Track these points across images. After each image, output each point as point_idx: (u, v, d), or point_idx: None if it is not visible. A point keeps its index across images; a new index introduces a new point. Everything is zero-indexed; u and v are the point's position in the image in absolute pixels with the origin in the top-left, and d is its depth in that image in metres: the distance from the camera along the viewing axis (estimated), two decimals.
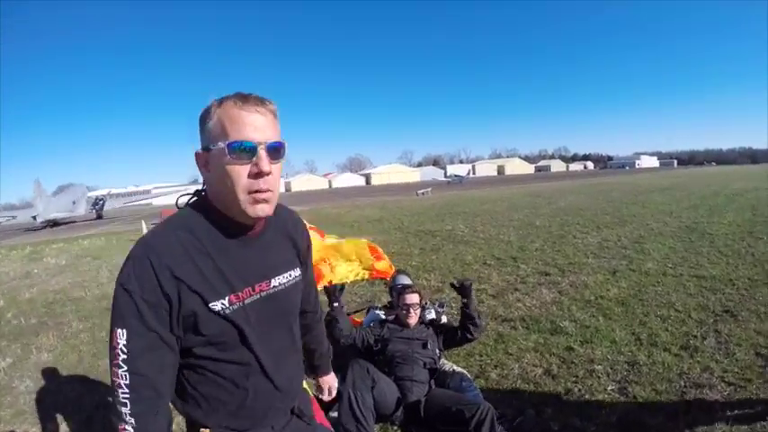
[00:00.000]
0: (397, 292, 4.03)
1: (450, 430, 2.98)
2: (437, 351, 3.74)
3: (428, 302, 4.18)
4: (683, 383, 3.65)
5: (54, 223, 28.84)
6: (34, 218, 28.86)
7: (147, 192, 47.96)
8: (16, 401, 4.23)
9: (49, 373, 4.79)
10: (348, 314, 5.38)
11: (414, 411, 3.23)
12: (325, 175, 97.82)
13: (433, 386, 3.47)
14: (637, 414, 3.26)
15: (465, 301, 3.69)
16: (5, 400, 4.27)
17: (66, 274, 9.78)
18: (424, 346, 3.65)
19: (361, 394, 2.96)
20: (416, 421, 3.22)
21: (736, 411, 3.19)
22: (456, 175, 70.54)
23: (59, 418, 3.86)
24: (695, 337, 4.49)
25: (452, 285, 3.83)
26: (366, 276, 8.00)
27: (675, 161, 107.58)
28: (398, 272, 5.20)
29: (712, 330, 4.61)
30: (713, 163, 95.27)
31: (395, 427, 3.30)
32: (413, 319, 3.83)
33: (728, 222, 10.90)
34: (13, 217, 34.50)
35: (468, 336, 3.67)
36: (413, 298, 3.86)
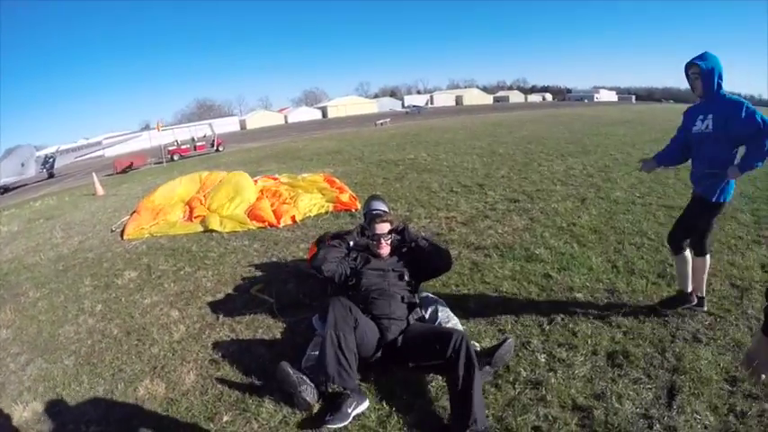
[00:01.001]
0: (369, 218, 3.74)
1: (429, 364, 2.84)
2: (412, 281, 3.52)
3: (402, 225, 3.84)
4: (664, 312, 3.59)
5: (4, 189, 26.73)
6: None
7: (98, 143, 44.64)
8: None
9: (10, 351, 4.31)
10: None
11: (391, 349, 3.04)
12: (281, 111, 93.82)
13: (411, 321, 3.23)
14: (622, 344, 3.20)
15: (411, 244, 3.58)
16: None
17: (19, 241, 8.96)
18: (401, 277, 3.43)
19: (344, 335, 2.72)
20: (394, 359, 3.04)
21: (719, 341, 3.16)
22: (414, 106, 69.44)
23: (27, 397, 3.46)
24: (671, 265, 4.42)
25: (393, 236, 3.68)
26: (330, 209, 7.73)
27: (634, 97, 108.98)
28: (373, 196, 4.84)
29: None
30: (671, 101, 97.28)
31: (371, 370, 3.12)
32: (384, 250, 3.60)
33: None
34: None
35: (435, 264, 3.54)
36: (383, 227, 3.60)
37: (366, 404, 2.72)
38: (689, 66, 3.39)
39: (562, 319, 3.57)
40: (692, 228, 3.60)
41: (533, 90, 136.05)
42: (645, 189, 7.65)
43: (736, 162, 3.25)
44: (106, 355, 3.91)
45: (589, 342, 3.23)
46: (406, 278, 3.45)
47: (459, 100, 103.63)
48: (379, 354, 3.02)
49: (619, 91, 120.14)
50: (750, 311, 3.53)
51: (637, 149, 12.80)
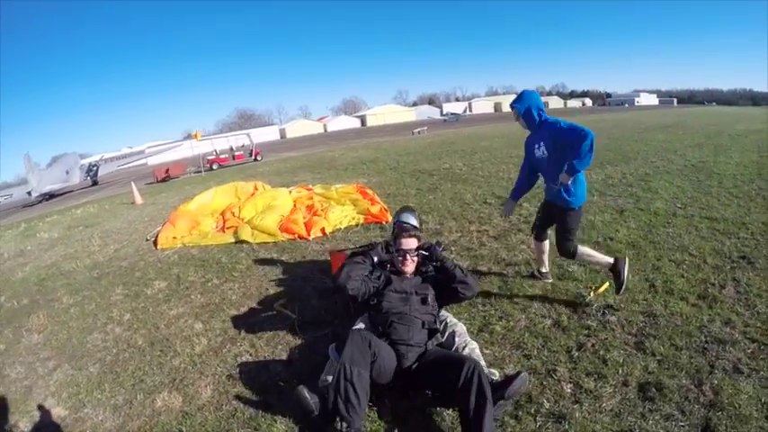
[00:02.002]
0: (396, 232, 3.63)
1: (442, 392, 2.78)
2: (437, 306, 3.40)
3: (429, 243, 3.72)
4: (703, 338, 3.35)
5: (50, 196, 27.96)
6: (29, 193, 28.01)
7: (141, 152, 46.55)
8: (8, 390, 3.91)
9: (40, 356, 4.47)
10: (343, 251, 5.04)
11: (406, 374, 2.95)
12: (320, 119, 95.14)
13: (430, 347, 3.11)
14: (656, 374, 2.97)
15: (436, 264, 3.43)
16: None
17: (58, 248, 9.37)
18: (423, 301, 3.29)
19: (359, 372, 2.62)
20: (409, 384, 2.96)
21: (762, 372, 2.90)
22: (452, 113, 68.90)
23: (51, 402, 3.59)
24: (713, 285, 4.17)
25: (419, 253, 3.53)
26: (361, 221, 7.69)
27: (675, 99, 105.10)
28: (405, 208, 4.74)
29: (730, 278, 4.28)
30: (713, 103, 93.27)
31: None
32: (408, 267, 3.49)
33: (735, 163, 10.40)
34: (10, 195, 33.47)
35: (460, 294, 3.33)
36: (409, 243, 3.49)
37: None
38: (511, 107, 4.18)
39: (593, 345, 3.37)
40: (549, 227, 4.46)
41: (572, 95, 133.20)
42: (687, 199, 7.25)
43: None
44: (129, 364, 3.99)
45: (620, 371, 3.02)
46: (430, 302, 3.31)
47: (497, 107, 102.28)
48: (390, 378, 2.92)
49: (660, 94, 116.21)
50: None
51: (678, 155, 12.21)
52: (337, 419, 2.59)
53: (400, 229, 3.68)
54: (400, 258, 3.50)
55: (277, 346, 3.92)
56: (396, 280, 3.43)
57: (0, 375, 4.21)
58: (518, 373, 2.81)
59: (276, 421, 2.87)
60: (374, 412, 2.89)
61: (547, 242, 4.54)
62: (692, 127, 22.10)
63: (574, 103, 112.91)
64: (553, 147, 3.92)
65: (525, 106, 4.04)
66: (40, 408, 3.52)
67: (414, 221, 4.37)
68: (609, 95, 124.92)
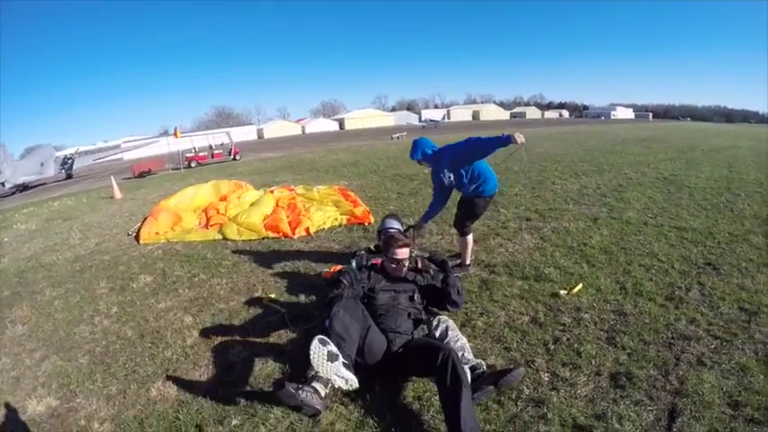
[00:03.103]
0: (385, 241, 3.78)
1: (422, 373, 3.04)
2: (423, 301, 3.61)
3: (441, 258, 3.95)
4: (669, 335, 3.63)
5: (24, 187, 27.35)
6: (2, 184, 27.32)
7: (117, 147, 45.44)
8: None
9: (26, 347, 4.48)
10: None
11: (393, 359, 3.15)
12: (298, 121, 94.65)
13: (416, 336, 3.36)
14: (626, 365, 3.22)
15: (444, 276, 3.65)
16: None
17: (37, 240, 9.23)
18: (411, 298, 3.53)
19: (352, 322, 2.95)
20: (395, 368, 3.15)
21: (723, 365, 3.17)
22: (431, 120, 69.53)
23: (41, 393, 3.61)
24: (680, 288, 4.48)
25: (430, 259, 3.80)
26: (344, 222, 7.84)
27: (651, 114, 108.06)
28: (390, 215, 4.95)
29: (696, 282, 4.60)
30: (688, 118, 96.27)
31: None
32: (401, 273, 3.65)
33: (706, 177, 10.92)
34: None
35: (448, 307, 3.65)
36: (403, 253, 3.64)
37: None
38: (412, 159, 5.09)
39: (567, 339, 3.61)
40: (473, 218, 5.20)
41: (550, 106, 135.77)
42: (658, 210, 7.63)
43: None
44: (120, 355, 4.04)
45: (593, 363, 3.26)
46: (417, 299, 3.56)
47: (476, 115, 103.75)
48: (379, 360, 3.13)
49: (636, 108, 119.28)
50: (758, 336, 3.53)
51: (651, 168, 12.75)
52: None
53: (393, 239, 3.74)
54: (393, 266, 3.68)
55: (269, 337, 4.04)
56: (385, 279, 3.65)
57: None
58: (516, 367, 3.06)
59: (272, 407, 3.00)
60: (363, 396, 3.06)
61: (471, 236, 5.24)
62: (666, 141, 22.94)
63: (551, 114, 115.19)
64: (455, 169, 4.81)
65: (418, 152, 4.98)
66: (29, 398, 3.54)
67: (398, 226, 4.61)
68: (586, 108, 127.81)
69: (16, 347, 4.50)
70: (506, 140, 4.27)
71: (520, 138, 4.19)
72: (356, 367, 2.97)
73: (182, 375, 3.60)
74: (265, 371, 3.51)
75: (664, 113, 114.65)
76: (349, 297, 3.22)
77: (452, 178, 4.86)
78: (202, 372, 3.62)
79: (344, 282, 3.51)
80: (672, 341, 3.52)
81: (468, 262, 5.27)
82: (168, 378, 3.57)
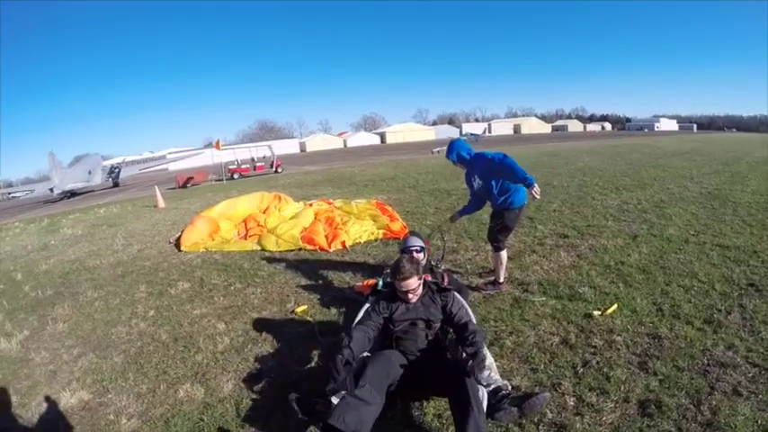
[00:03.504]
0: (392, 269, 3.48)
1: (438, 391, 3.00)
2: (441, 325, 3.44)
3: (436, 263, 3.88)
4: (705, 361, 3.45)
5: (71, 194, 28.87)
6: (51, 190, 28.87)
7: (163, 157, 47.72)
8: (32, 373, 4.20)
9: (65, 344, 4.76)
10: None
11: (413, 377, 3.10)
12: (340, 135, 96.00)
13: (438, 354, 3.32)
14: (656, 392, 3.09)
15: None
16: (22, 372, 4.24)
17: (82, 244, 9.79)
18: (428, 325, 3.36)
19: (374, 396, 2.75)
20: (414, 387, 3.12)
21: (760, 396, 3.00)
22: (472, 134, 68.90)
23: (75, 386, 3.83)
24: (719, 311, 4.27)
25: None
26: (380, 236, 7.90)
27: (695, 125, 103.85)
28: (411, 233, 4.93)
29: (737, 305, 4.37)
30: (734, 129, 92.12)
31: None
32: (413, 299, 3.40)
33: (752, 191, 10.39)
34: (32, 191, 34.57)
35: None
36: (408, 284, 3.33)
37: None
38: (448, 159, 5.32)
39: (597, 363, 3.50)
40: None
41: (592, 119, 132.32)
42: (700, 226, 7.32)
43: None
44: (153, 357, 4.23)
45: (622, 388, 3.15)
46: (433, 325, 3.37)
47: (517, 128, 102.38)
48: (398, 380, 3.06)
49: (680, 119, 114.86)
50: None
51: (694, 182, 12.25)
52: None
53: (398, 271, 3.38)
54: (402, 294, 3.41)
55: (296, 348, 4.12)
56: (401, 307, 3.42)
57: (25, 359, 4.50)
58: (542, 392, 2.99)
59: (292, 415, 3.03)
60: (384, 417, 3.05)
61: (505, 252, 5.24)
62: (711, 153, 22.04)
63: (593, 127, 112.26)
64: (486, 176, 4.91)
65: (455, 153, 5.15)
66: (64, 391, 3.75)
67: (420, 243, 4.58)
68: (629, 120, 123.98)
69: (56, 343, 4.79)
70: (530, 184, 4.47)
71: (537, 194, 4.52)
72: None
73: (210, 379, 3.73)
74: (289, 380, 3.58)
75: (708, 124, 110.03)
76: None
77: (481, 185, 5.00)
78: (230, 377, 3.73)
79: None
80: (707, 368, 3.35)
81: (501, 279, 5.21)
82: (197, 381, 3.69)
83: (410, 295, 3.38)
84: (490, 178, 4.88)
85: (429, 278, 4.32)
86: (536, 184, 4.47)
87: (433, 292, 3.49)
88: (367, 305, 3.71)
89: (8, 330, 5.22)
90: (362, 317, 3.57)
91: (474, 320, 3.50)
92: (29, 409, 3.60)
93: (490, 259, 5.68)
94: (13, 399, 3.77)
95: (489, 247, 5.44)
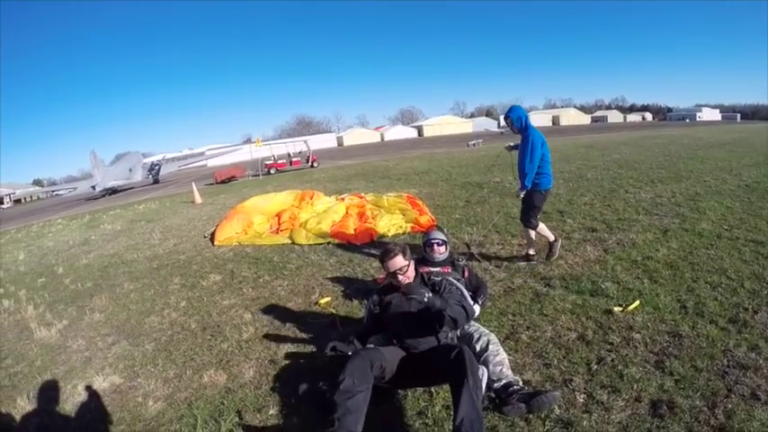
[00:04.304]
0: (381, 256, 3.57)
1: (441, 375, 3.01)
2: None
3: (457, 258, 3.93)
4: (725, 362, 3.36)
5: (113, 191, 29.98)
6: (93, 188, 30.04)
7: (201, 154, 48.87)
8: (69, 359, 4.52)
9: (100, 332, 5.09)
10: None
11: (412, 368, 3.17)
12: (377, 129, 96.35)
13: (441, 340, 3.33)
14: (670, 393, 3.05)
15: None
16: (60, 359, 4.57)
17: (120, 239, 10.30)
18: (423, 310, 3.33)
19: (359, 385, 2.80)
20: (415, 378, 3.19)
21: None
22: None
23: (108, 371, 4.11)
24: (746, 309, 4.13)
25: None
26: (408, 230, 7.99)
27: (739, 115, 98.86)
28: (435, 227, 4.99)
29: (765, 304, 4.22)
30: None
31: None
32: (404, 280, 3.43)
33: None
34: (74, 188, 36.04)
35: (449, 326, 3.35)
36: (395, 263, 3.38)
37: None
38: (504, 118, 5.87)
39: (612, 360, 3.48)
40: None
41: (632, 109, 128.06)
42: (735, 221, 7.05)
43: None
44: (182, 345, 4.48)
45: (635, 387, 3.12)
46: (428, 303, 3.34)
47: (555, 120, 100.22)
48: (395, 372, 3.13)
49: (723, 109, 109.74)
50: None
51: (733, 175, 11.75)
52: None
53: (384, 251, 3.52)
54: (394, 279, 3.47)
55: (317, 339, 4.27)
56: (396, 298, 3.48)
57: (63, 346, 4.83)
58: (553, 390, 3.03)
59: (305, 402, 3.25)
60: (390, 406, 3.19)
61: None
62: (753, 145, 21.01)
63: (633, 118, 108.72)
64: (523, 149, 5.57)
65: (514, 112, 5.69)
66: (98, 375, 4.04)
67: (443, 236, 4.60)
68: (670, 110, 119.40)
69: (92, 332, 5.13)
70: (523, 186, 5.60)
71: (518, 197, 5.76)
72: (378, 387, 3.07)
73: (233, 366, 3.94)
74: (309, 368, 3.76)
75: (753, 114, 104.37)
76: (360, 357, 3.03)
77: (521, 151, 5.61)
78: (252, 364, 3.92)
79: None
80: (726, 369, 3.27)
81: (532, 252, 5.85)
82: (221, 368, 3.91)
83: (400, 277, 3.40)
84: (525, 155, 5.49)
85: (448, 269, 4.44)
86: (522, 193, 5.62)
87: (425, 282, 3.57)
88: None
89: (48, 320, 5.60)
90: (365, 316, 3.69)
91: (470, 302, 3.58)
92: (65, 392, 3.89)
93: (522, 238, 6.38)
94: (51, 383, 4.06)
95: (522, 228, 6.10)
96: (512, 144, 6.49)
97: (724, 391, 3.04)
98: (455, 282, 3.71)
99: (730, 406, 2.88)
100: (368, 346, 3.42)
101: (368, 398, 2.81)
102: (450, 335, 3.46)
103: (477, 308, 3.92)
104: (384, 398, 3.18)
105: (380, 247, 6.91)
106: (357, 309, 4.92)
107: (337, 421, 2.64)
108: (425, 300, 3.29)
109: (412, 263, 3.53)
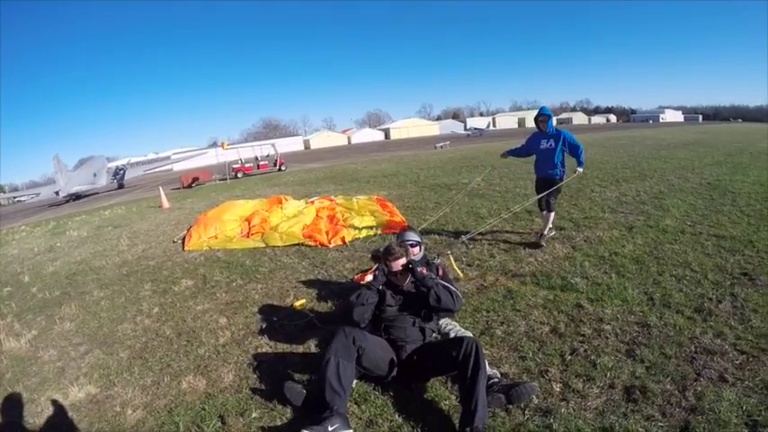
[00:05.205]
0: (384, 252, 3.76)
1: (443, 370, 3.14)
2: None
3: (434, 257, 4.03)
4: (693, 348, 3.54)
5: (77, 197, 28.94)
6: (57, 193, 29.00)
7: (167, 158, 47.81)
8: (41, 370, 4.33)
9: (72, 341, 4.91)
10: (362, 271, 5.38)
11: (407, 366, 3.25)
12: (344, 132, 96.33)
13: (427, 340, 3.47)
14: (642, 379, 3.18)
15: (420, 286, 3.52)
16: (31, 370, 4.37)
17: (87, 246, 9.97)
18: (417, 309, 3.56)
19: (344, 363, 2.95)
20: (410, 375, 3.26)
21: (747, 382, 3.07)
22: (476, 128, 68.77)
23: (82, 381, 3.97)
24: (710, 299, 4.34)
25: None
26: (379, 232, 8.02)
27: (701, 116, 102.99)
28: (408, 228, 5.05)
29: (728, 294, 4.44)
30: (739, 120, 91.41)
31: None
32: (401, 281, 3.66)
33: (752, 181, 10.42)
34: (37, 194, 34.70)
35: (441, 307, 3.47)
36: (397, 265, 3.64)
37: None
38: (539, 114, 6.79)
39: (585, 351, 3.60)
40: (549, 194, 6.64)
41: (597, 111, 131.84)
42: (697, 217, 7.38)
43: (577, 166, 6.53)
44: (157, 351, 4.36)
45: (608, 375, 3.25)
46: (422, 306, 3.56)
47: (521, 122, 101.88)
48: (395, 372, 3.22)
49: (685, 110, 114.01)
50: None
51: (695, 173, 12.29)
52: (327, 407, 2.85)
53: (388, 253, 3.72)
54: (394, 277, 3.69)
55: (294, 340, 4.25)
56: (390, 292, 3.65)
57: (34, 357, 4.64)
58: (530, 381, 3.13)
59: (290, 403, 3.20)
60: (375, 398, 3.20)
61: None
62: (714, 145, 21.98)
63: (598, 119, 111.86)
64: (560, 146, 6.53)
65: (551, 118, 6.78)
66: (72, 386, 3.89)
67: (417, 237, 4.62)
68: (633, 112, 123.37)
69: (63, 341, 4.94)
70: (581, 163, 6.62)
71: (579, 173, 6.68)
72: (366, 377, 3.17)
73: (211, 371, 3.86)
74: (288, 371, 3.71)
75: (714, 115, 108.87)
76: (343, 333, 3.18)
77: (551, 149, 6.59)
78: (230, 368, 3.86)
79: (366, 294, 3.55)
80: (694, 355, 3.44)
81: (545, 232, 6.63)
82: (199, 373, 3.83)
83: (398, 277, 3.62)
84: (562, 149, 6.52)
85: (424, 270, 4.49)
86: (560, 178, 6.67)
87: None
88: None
89: (17, 330, 5.37)
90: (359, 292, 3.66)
91: (458, 292, 3.66)
92: (38, 404, 3.73)
93: (541, 221, 7.06)
94: (24, 395, 3.90)
95: (543, 212, 6.81)
96: (507, 150, 7.50)
97: (693, 375, 3.20)
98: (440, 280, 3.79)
99: (700, 389, 3.03)
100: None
101: (353, 374, 2.95)
102: (435, 334, 3.55)
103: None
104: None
105: (352, 250, 7.08)
106: (332, 309, 4.93)
107: (329, 411, 2.75)
108: (423, 272, 3.49)
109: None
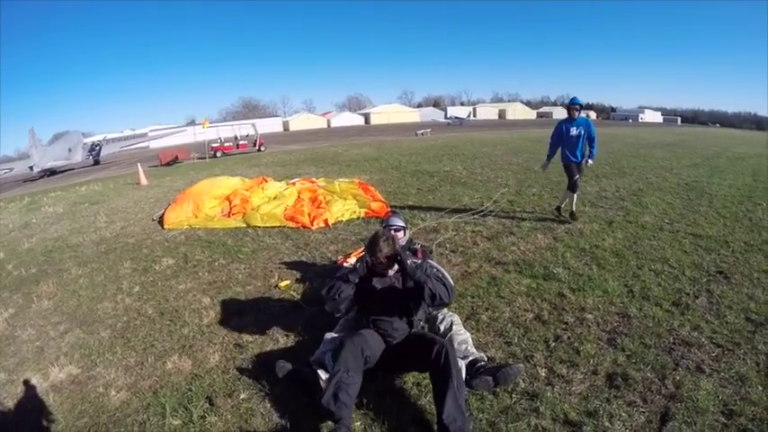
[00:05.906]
0: (370, 242, 3.45)
1: (418, 367, 3.15)
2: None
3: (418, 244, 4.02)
4: (671, 340, 3.66)
5: (51, 172, 28.14)
6: (31, 168, 28.12)
7: (144, 135, 46.47)
8: (19, 350, 4.21)
9: (51, 320, 4.77)
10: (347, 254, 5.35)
11: (393, 353, 3.23)
12: (324, 115, 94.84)
13: (414, 331, 3.40)
14: (624, 366, 3.29)
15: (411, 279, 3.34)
16: (9, 350, 4.24)
17: (64, 222, 9.69)
18: (402, 299, 3.42)
19: (352, 374, 2.86)
20: (392, 366, 3.26)
21: (722, 374, 3.20)
22: (456, 117, 68.78)
23: (63, 361, 3.87)
24: (687, 294, 4.49)
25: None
26: (362, 215, 8.01)
27: (679, 118, 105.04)
28: (392, 212, 4.97)
29: (705, 290, 4.60)
30: (717, 124, 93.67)
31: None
32: (389, 271, 3.48)
33: (728, 184, 10.74)
34: (11, 169, 33.52)
35: (435, 300, 3.28)
36: (384, 258, 3.35)
37: None
38: (572, 103, 7.53)
39: (568, 338, 3.69)
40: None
41: None
42: (675, 215, 7.59)
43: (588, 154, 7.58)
44: (140, 331, 4.29)
45: (591, 362, 3.34)
46: (409, 296, 3.42)
47: (502, 113, 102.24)
48: (378, 357, 3.19)
49: (664, 112, 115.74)
50: (761, 347, 3.53)
51: (673, 173, 12.60)
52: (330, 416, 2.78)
53: (375, 245, 3.38)
54: (380, 269, 3.46)
55: (280, 320, 4.24)
56: (377, 282, 3.47)
57: (12, 336, 4.50)
58: (516, 364, 3.17)
59: (278, 383, 3.20)
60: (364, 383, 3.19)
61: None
62: (692, 147, 22.51)
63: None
64: (585, 134, 7.41)
65: (580, 108, 7.53)
66: (52, 366, 3.79)
67: (402, 222, 4.46)
68: (614, 110, 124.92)
69: (41, 320, 4.80)
70: (581, 158, 7.63)
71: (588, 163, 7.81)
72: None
73: (197, 351, 3.82)
74: (275, 350, 3.72)
75: (692, 118, 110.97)
76: (352, 343, 3.07)
77: (580, 136, 7.39)
78: (216, 349, 3.83)
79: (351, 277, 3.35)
80: (673, 346, 3.56)
81: (561, 205, 7.73)
82: (184, 353, 3.79)
83: (384, 266, 3.43)
84: (586, 137, 7.40)
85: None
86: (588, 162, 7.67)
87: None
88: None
89: None
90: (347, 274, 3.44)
91: (450, 281, 3.54)
92: (17, 385, 3.63)
93: (561, 196, 8.04)
94: (1, 375, 3.79)
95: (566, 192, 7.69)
96: (545, 162, 8.24)
97: (672, 364, 3.32)
98: (436, 265, 3.77)
99: (678, 377, 3.15)
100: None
101: (358, 387, 2.87)
102: (421, 323, 3.53)
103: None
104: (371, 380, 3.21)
105: (335, 232, 7.07)
106: (317, 290, 4.84)
107: (335, 423, 2.68)
108: (411, 263, 3.28)
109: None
